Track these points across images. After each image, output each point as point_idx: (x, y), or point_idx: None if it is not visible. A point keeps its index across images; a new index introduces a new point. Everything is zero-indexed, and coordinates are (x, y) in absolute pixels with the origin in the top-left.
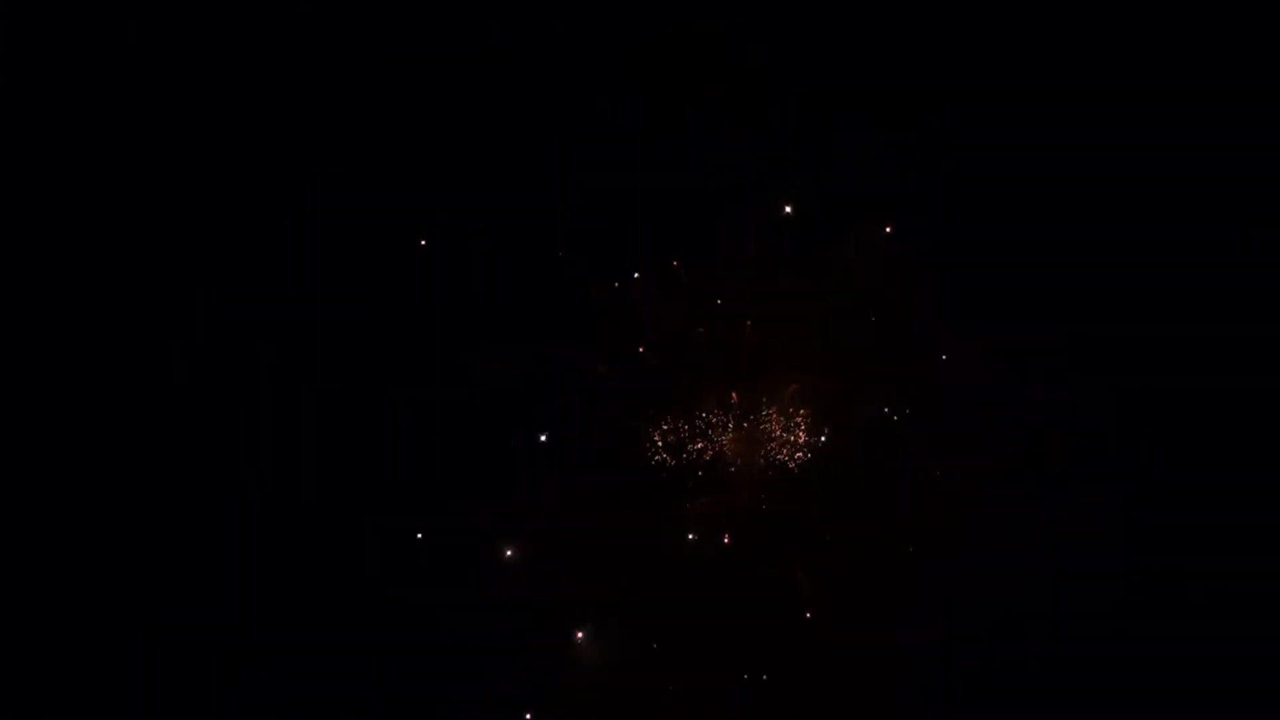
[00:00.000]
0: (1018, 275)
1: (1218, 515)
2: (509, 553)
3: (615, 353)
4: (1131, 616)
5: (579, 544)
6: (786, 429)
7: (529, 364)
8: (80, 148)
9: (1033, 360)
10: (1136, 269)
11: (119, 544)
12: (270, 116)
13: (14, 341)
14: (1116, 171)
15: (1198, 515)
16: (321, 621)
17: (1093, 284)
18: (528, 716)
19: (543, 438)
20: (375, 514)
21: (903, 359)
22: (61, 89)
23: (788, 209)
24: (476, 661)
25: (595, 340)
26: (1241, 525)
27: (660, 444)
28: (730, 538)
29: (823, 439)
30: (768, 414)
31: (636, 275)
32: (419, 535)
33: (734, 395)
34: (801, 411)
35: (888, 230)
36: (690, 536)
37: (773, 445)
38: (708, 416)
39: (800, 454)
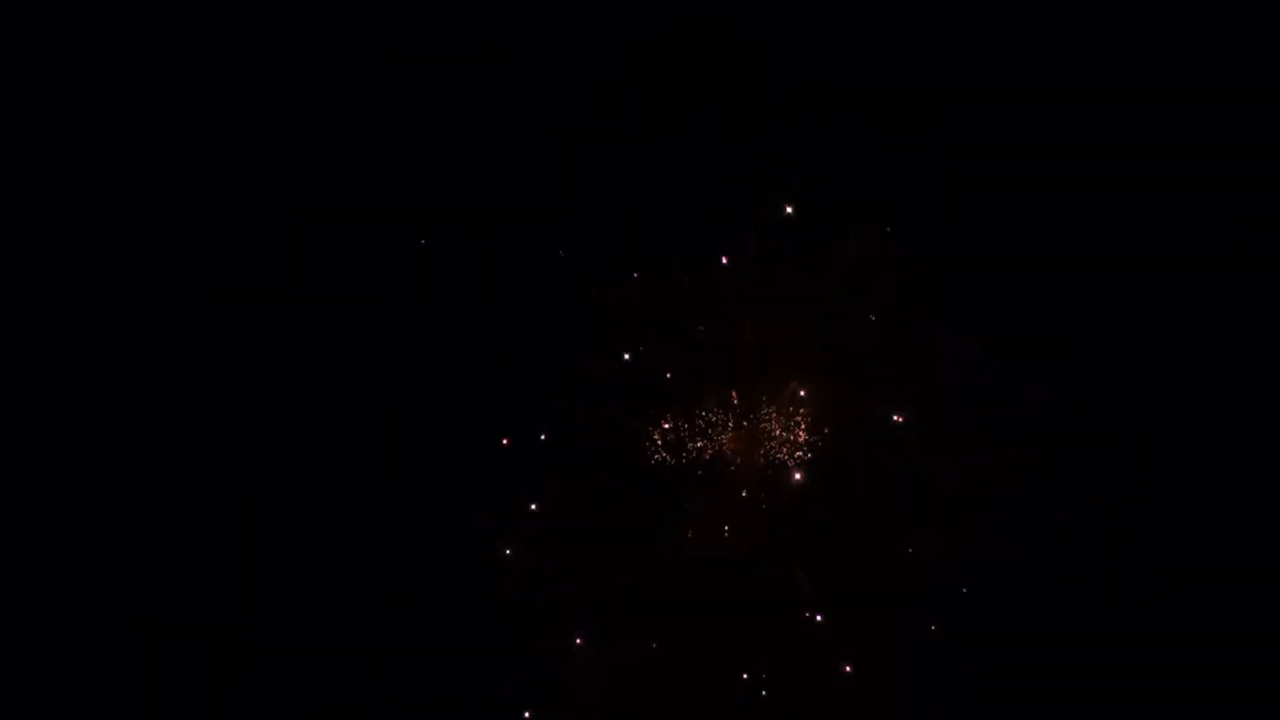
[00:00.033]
0: (1018, 275)
1: (1218, 515)
2: (509, 553)
3: (615, 353)
4: (1131, 616)
5: (579, 544)
6: (786, 428)
7: (529, 364)
8: (80, 148)
9: (1033, 360)
10: (1136, 269)
11: (119, 544)
12: (270, 116)
13: (13, 341)
14: (1116, 171)
15: (1198, 515)
16: (321, 621)
17: (1093, 284)
18: (526, 716)
19: (542, 438)
20: (375, 514)
21: (903, 359)
22: (61, 89)
23: (788, 210)
24: (476, 661)
25: (595, 340)
26: (1241, 525)
27: (660, 443)
28: (730, 537)
29: (820, 441)
30: (768, 413)
31: (636, 275)
32: (418, 533)
33: (734, 394)
34: (801, 411)
35: (888, 230)
36: (690, 536)
37: (772, 445)
38: (708, 416)
39: (800, 453)
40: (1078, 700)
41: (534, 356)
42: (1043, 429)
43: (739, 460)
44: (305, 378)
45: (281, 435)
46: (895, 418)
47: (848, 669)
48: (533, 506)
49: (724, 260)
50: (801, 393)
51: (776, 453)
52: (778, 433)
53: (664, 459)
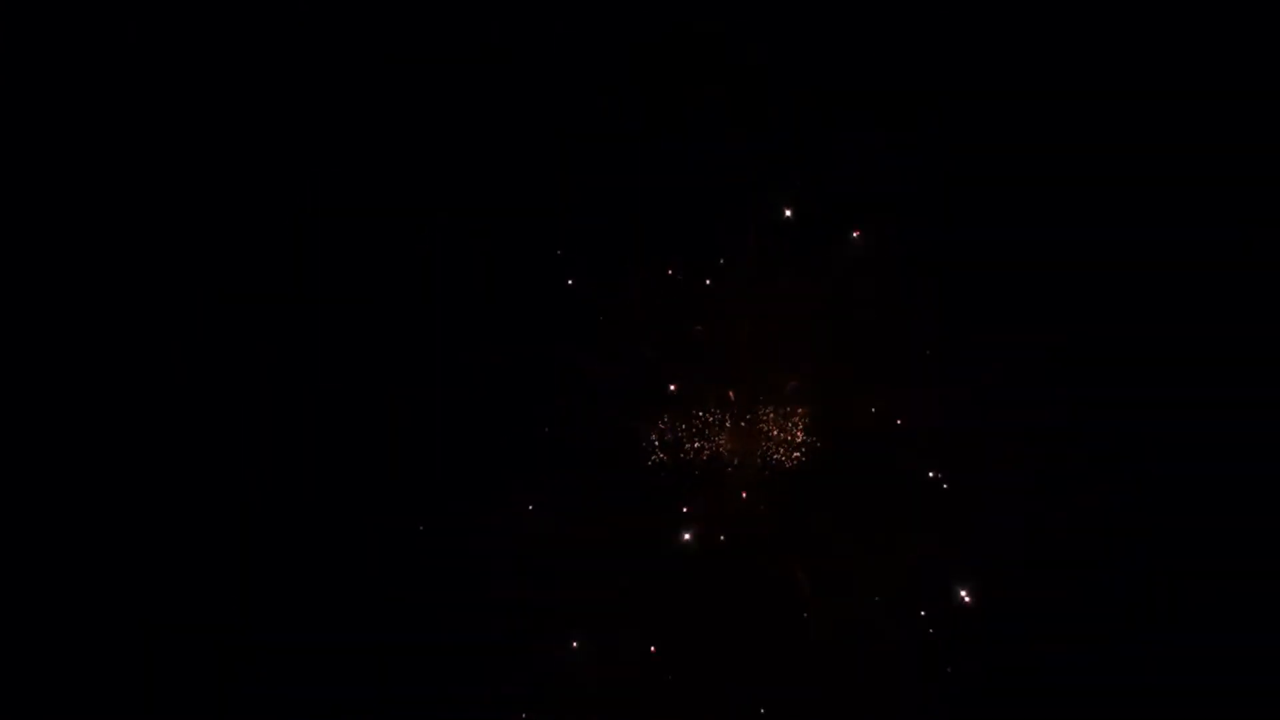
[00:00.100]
0: (1018, 275)
1: (1218, 515)
2: (509, 553)
3: (614, 353)
4: (1131, 616)
5: (578, 544)
6: (784, 429)
7: (529, 364)
8: (80, 148)
9: (1033, 360)
10: (1136, 269)
11: (119, 544)
12: (270, 116)
13: (13, 341)
14: (1116, 171)
15: (1198, 515)
16: (321, 621)
17: (1093, 284)
18: (525, 716)
19: (542, 437)
20: (375, 514)
21: (903, 359)
22: (61, 89)
23: (788, 212)
24: (476, 661)
25: (595, 340)
26: (1242, 525)
27: (658, 443)
28: (728, 537)
29: (819, 441)
30: (766, 414)
31: (636, 275)
32: (418, 533)
33: (732, 395)
34: (800, 411)
35: (888, 230)
36: (688, 536)
37: (769, 445)
38: (705, 416)
39: (798, 454)
40: (1077, 700)
41: (534, 356)
42: (1043, 429)
43: (737, 460)
44: (305, 378)
45: (281, 435)
46: (895, 418)
47: (847, 669)
48: (531, 507)
49: (724, 260)
50: (798, 389)
51: (774, 453)
52: (775, 433)
53: (662, 459)
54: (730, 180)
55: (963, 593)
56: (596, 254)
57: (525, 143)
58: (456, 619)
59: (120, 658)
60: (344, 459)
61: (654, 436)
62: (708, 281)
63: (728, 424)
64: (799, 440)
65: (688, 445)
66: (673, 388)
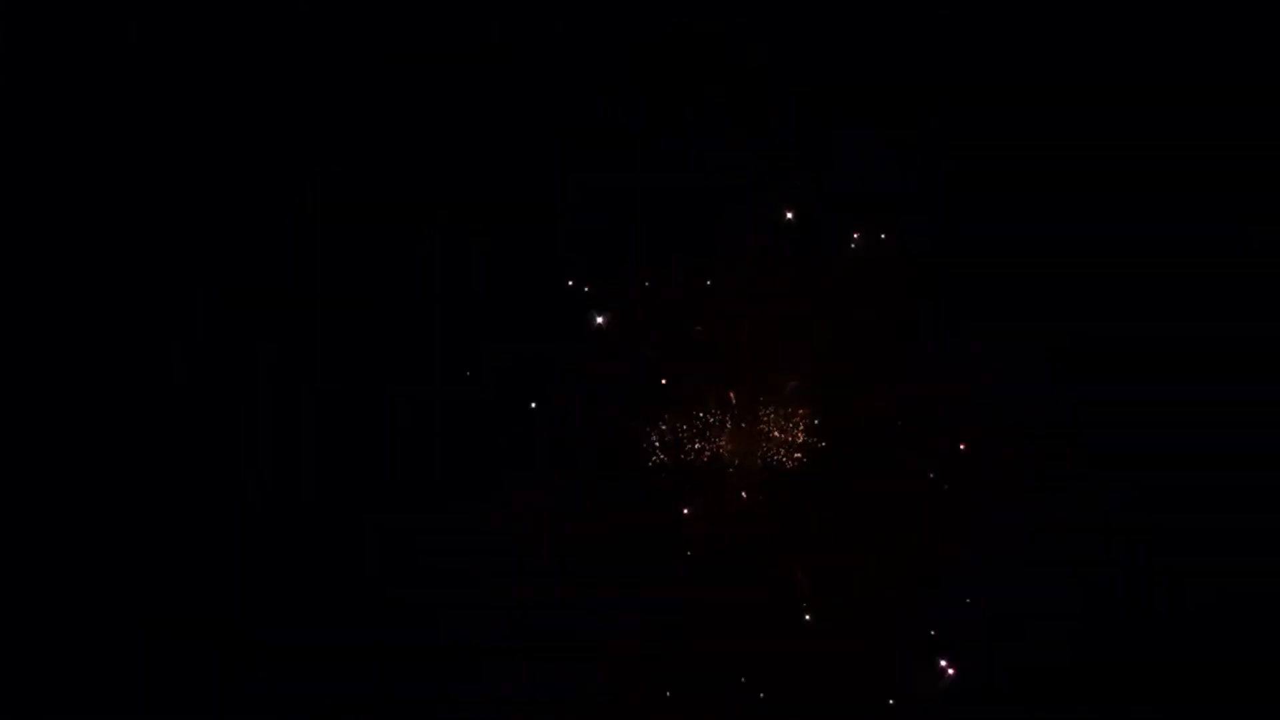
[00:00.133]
0: (1018, 275)
1: (1218, 515)
2: (509, 553)
3: (614, 353)
4: (1131, 617)
5: (578, 544)
6: (785, 429)
7: (529, 364)
8: (80, 148)
9: (1033, 360)
10: (1136, 269)
11: (119, 544)
12: (270, 116)
13: (13, 341)
14: (1116, 171)
15: (1198, 515)
16: (321, 621)
17: (1093, 284)
18: (525, 716)
19: (542, 437)
20: (375, 514)
21: (903, 359)
22: (61, 89)
23: (788, 213)
24: (476, 661)
25: (595, 340)
26: (1242, 525)
27: (658, 444)
28: (728, 537)
29: (821, 441)
30: (766, 414)
31: (636, 275)
32: (418, 533)
33: (732, 395)
34: (800, 411)
35: (888, 230)
36: (688, 536)
37: (769, 445)
38: (705, 416)
39: (798, 454)
40: (1077, 700)
41: (534, 356)
42: (1043, 429)
43: (737, 461)
44: (305, 378)
45: (281, 435)
46: (895, 418)
47: (847, 669)
48: (532, 507)
49: (723, 260)
50: (798, 389)
51: (774, 454)
52: (775, 434)
53: (662, 460)
54: (730, 180)
55: (963, 594)
56: (596, 254)
57: (525, 143)
58: (456, 619)
59: (120, 658)
60: (344, 459)
61: (654, 437)
62: (708, 281)
63: (728, 424)
64: (799, 441)
65: (688, 446)
66: (673, 388)
